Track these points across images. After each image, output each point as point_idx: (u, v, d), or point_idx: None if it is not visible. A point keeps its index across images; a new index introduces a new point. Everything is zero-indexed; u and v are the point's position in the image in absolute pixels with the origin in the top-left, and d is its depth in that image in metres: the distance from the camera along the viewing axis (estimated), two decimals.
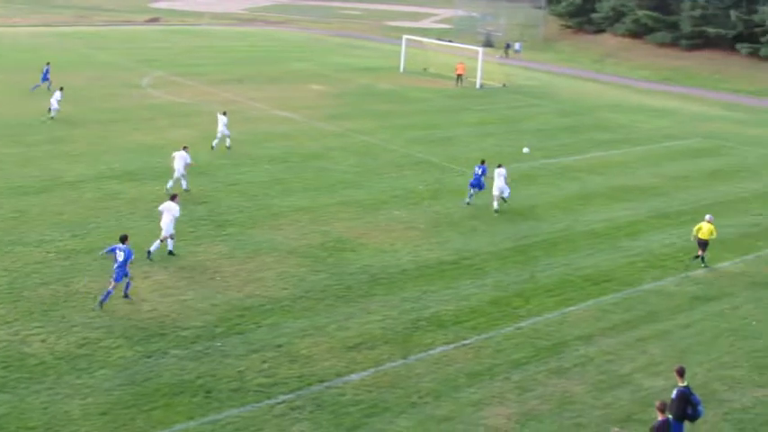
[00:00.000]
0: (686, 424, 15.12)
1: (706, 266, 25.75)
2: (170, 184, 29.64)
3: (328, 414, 16.30)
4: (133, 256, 20.64)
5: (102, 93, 48.28)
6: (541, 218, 29.78)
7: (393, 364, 18.52)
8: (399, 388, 17.47)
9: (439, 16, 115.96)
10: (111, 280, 20.28)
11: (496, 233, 27.73)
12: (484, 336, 20.15)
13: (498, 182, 29.95)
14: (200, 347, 18.65)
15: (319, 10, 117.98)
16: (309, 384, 17.39)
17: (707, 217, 26.32)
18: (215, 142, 36.36)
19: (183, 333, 19.24)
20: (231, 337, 19.25)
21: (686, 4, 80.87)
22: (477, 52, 62.11)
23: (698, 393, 15.54)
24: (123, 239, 20.70)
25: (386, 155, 37.45)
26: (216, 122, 36.36)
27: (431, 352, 19.17)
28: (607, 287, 23.69)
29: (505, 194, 30.39)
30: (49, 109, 40.40)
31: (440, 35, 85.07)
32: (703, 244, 25.71)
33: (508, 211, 30.17)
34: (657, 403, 14.45)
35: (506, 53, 77.11)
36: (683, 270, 25.28)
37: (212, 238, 25.44)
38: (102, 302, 20.13)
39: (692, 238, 26.00)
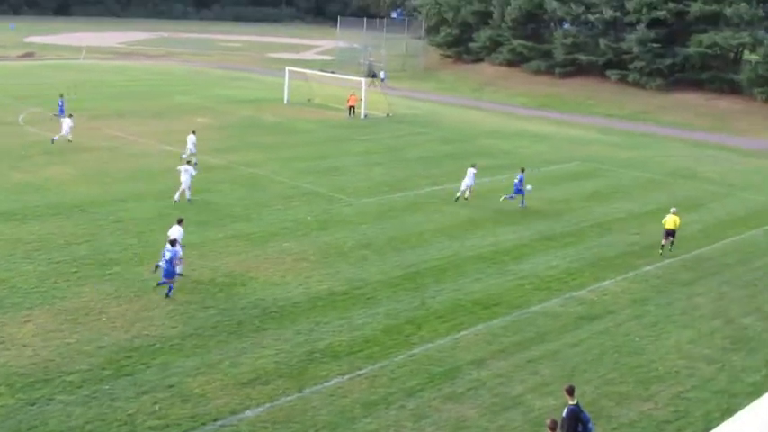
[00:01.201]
0: None
1: (671, 252, 30.35)
2: (176, 196, 32.80)
3: None
4: (178, 256, 23.46)
5: None
6: (430, 244, 30.16)
7: (288, 398, 18.30)
8: (296, 422, 17.27)
9: (321, 48, 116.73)
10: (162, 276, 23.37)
11: (386, 261, 27.91)
12: (378, 365, 20.17)
13: (468, 179, 36.16)
14: (88, 392, 17.96)
15: (199, 42, 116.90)
16: (203, 424, 16.99)
17: (672, 210, 31.10)
18: (194, 160, 38.53)
19: (69, 377, 18.50)
20: (120, 379, 18.63)
21: (558, 34, 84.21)
22: (359, 83, 62.81)
23: (587, 410, 15.98)
24: (173, 243, 23.59)
25: (274, 187, 37.25)
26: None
27: (326, 384, 19.05)
28: (497, 310, 24.14)
29: (467, 189, 36.28)
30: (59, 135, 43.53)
31: (322, 66, 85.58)
32: (671, 233, 30.28)
33: (396, 239, 30.43)
34: (548, 421, 14.79)
35: (373, 83, 77.62)
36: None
37: (97, 278, 24.64)
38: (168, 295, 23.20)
39: (662, 234, 30.44)
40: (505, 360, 20.90)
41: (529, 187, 36.14)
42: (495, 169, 43.96)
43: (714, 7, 72.11)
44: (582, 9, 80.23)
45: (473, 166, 36.94)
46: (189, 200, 33.34)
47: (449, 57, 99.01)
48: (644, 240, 32.38)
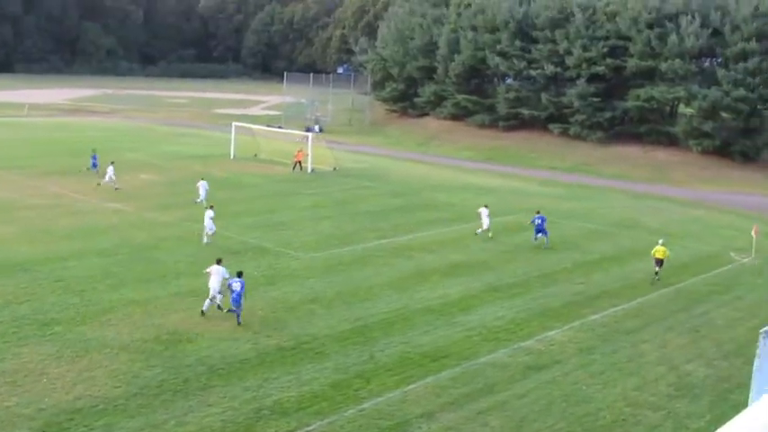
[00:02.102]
0: None
1: (659, 280, 33.83)
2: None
3: None
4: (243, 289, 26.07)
5: None
6: (378, 297, 30.16)
7: None
8: None
9: (267, 103, 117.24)
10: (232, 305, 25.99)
11: (334, 315, 27.81)
12: (327, 420, 19.98)
13: (485, 219, 40.40)
14: None
15: (145, 99, 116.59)
16: None
17: (660, 241, 35.15)
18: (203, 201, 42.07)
19: None
20: None
21: (501, 88, 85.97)
22: (306, 137, 63.15)
23: None
24: (240, 274, 26.49)
25: (220, 242, 36.94)
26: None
27: None
28: (445, 362, 24.16)
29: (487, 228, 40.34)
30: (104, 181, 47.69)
31: (269, 122, 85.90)
32: (659, 262, 33.95)
33: (344, 292, 30.38)
34: None
35: (307, 138, 77.67)
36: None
37: (38, 338, 24.07)
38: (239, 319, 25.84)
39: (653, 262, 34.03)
40: (455, 412, 20.86)
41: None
42: (441, 222, 44.35)
43: (650, 63, 74.44)
44: (524, 65, 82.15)
45: (485, 207, 41.36)
46: (206, 242, 36.00)
47: (394, 111, 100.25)
48: (589, 290, 32.83)
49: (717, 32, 72.46)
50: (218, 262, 27.77)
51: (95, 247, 34.99)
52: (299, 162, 60.33)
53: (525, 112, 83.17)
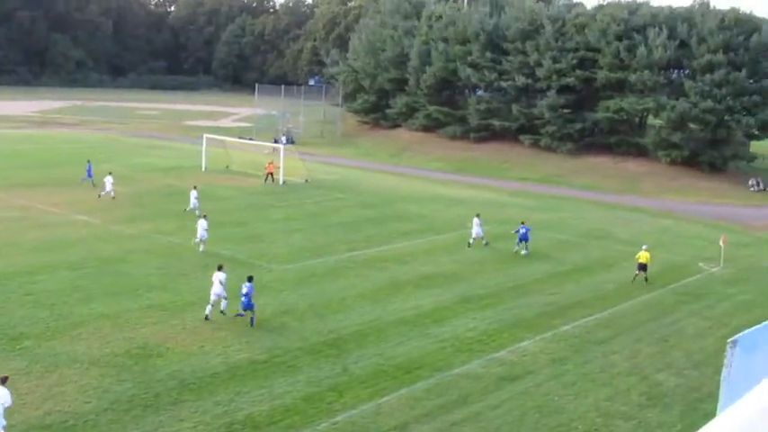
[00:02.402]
0: None
1: (647, 282, 35.55)
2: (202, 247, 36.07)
3: None
4: (254, 292, 27.52)
5: None
6: (351, 309, 30.10)
7: None
8: None
9: (238, 115, 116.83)
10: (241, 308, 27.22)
11: (306, 328, 27.71)
12: None
13: (476, 229, 41.14)
14: None
15: (115, 111, 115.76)
16: None
17: (643, 247, 36.78)
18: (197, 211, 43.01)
19: None
20: None
21: (472, 100, 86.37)
22: (273, 149, 63.03)
23: None
24: (250, 279, 27.90)
25: (191, 255, 36.75)
26: None
27: None
28: (419, 374, 24.14)
29: (479, 237, 41.31)
30: (104, 192, 48.75)
31: (240, 134, 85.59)
32: (643, 267, 35.55)
33: (317, 305, 30.29)
34: None
35: (274, 149, 77.47)
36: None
37: (6, 354, 23.73)
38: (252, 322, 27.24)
39: (636, 267, 35.76)
40: (429, 424, 20.85)
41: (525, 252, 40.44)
42: (413, 234, 44.39)
43: (619, 74, 75.20)
44: (495, 76, 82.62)
45: (477, 216, 42.08)
46: (202, 250, 36.98)
47: (366, 123, 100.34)
48: (561, 300, 33.00)
49: (684, 44, 73.42)
50: (219, 268, 28.89)
51: (64, 260, 34.61)
52: (271, 174, 60.18)
53: (496, 123, 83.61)
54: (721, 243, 41.01)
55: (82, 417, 20.03)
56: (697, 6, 76.20)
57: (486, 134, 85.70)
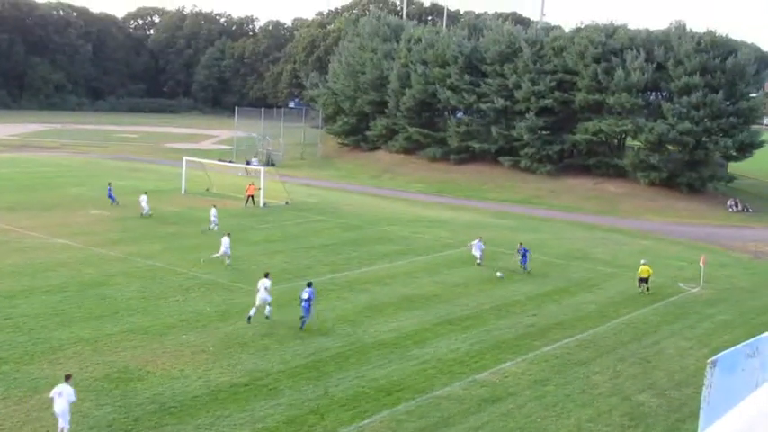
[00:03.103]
0: None
1: (649, 291, 38.15)
2: (215, 255, 38.58)
3: None
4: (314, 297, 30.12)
5: None
6: (332, 332, 30.02)
7: None
8: None
9: (218, 137, 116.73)
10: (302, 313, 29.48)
11: (287, 351, 27.60)
12: None
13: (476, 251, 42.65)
14: None
15: (95, 134, 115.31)
16: None
17: (642, 261, 39.59)
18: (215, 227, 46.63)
19: None
20: None
21: (452, 122, 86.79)
22: (258, 172, 63.00)
23: None
24: (309, 284, 30.65)
25: (171, 278, 36.57)
26: None
27: None
28: (400, 396, 24.09)
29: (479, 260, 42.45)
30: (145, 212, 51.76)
31: (220, 156, 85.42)
32: (644, 280, 38.25)
33: (298, 327, 30.16)
34: None
35: (246, 171, 77.42)
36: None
37: None
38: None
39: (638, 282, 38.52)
40: None
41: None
42: (394, 255, 44.41)
43: (597, 96, 75.90)
44: (474, 98, 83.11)
45: (479, 239, 43.80)
46: (228, 263, 39.16)
47: (346, 145, 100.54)
48: (541, 321, 33.07)
49: (661, 67, 74.26)
50: (266, 275, 31.17)
51: (44, 283, 34.33)
52: (251, 197, 60.10)
53: (476, 145, 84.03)
54: (701, 263, 41.32)
55: None
56: (674, 29, 77.11)
57: (466, 156, 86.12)
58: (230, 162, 77.18)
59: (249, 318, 30.08)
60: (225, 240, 39.69)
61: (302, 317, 29.95)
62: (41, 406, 21.79)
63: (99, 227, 48.16)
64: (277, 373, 25.40)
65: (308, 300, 29.83)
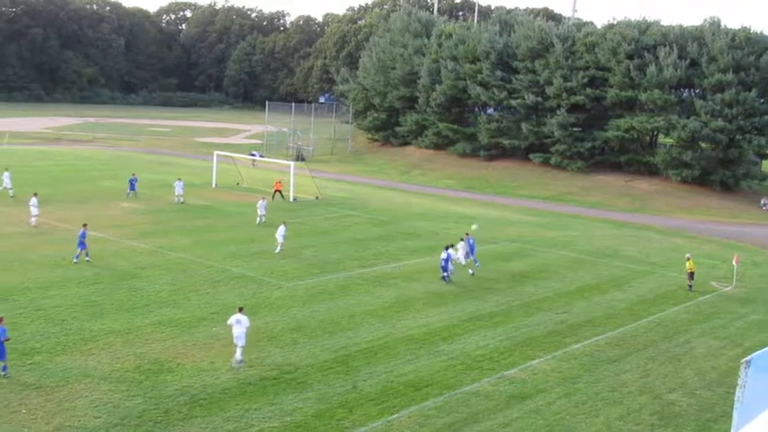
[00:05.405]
0: None
1: (692, 289, 38.27)
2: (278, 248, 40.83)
3: None
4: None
5: None
6: (361, 326, 30.07)
7: None
8: None
9: (249, 132, 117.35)
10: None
11: (316, 345, 27.69)
12: None
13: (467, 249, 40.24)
14: None
15: (127, 127, 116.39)
16: None
17: (687, 255, 40.01)
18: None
19: None
20: None
21: (482, 118, 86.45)
22: (288, 166, 63.24)
23: None
24: (447, 247, 36.83)
25: (202, 271, 36.82)
26: None
27: None
28: (428, 392, 24.07)
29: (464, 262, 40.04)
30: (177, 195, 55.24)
31: (251, 150, 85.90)
32: (691, 275, 38.63)
33: (327, 321, 30.26)
34: None
35: (253, 163, 77.77)
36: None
37: (17, 368, 23.76)
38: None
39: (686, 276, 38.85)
40: None
41: (475, 226, 43.07)
42: (423, 251, 44.33)
43: (629, 93, 75.23)
44: (504, 95, 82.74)
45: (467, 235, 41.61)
46: (278, 251, 40.94)
47: (376, 140, 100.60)
48: (571, 319, 32.89)
49: (694, 63, 73.42)
50: (240, 310, 26.24)
51: (76, 275, 34.72)
52: (279, 191, 60.32)
53: (506, 141, 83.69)
54: (734, 262, 40.85)
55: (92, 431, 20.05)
56: (708, 25, 76.12)
57: (496, 152, 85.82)
58: (261, 156, 77.74)
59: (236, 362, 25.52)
60: (281, 229, 41.46)
61: (442, 276, 36.85)
62: (73, 396, 22.06)
63: (130, 219, 48.62)
64: (306, 367, 25.49)
65: (446, 260, 36.83)
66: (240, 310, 26.25)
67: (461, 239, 40.65)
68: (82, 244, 37.00)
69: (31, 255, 37.93)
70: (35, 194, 46.06)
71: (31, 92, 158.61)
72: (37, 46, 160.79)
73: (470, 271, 39.26)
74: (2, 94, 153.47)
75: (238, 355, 25.28)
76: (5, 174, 55.45)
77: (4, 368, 23.11)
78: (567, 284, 38.92)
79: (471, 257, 40.07)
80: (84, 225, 38.12)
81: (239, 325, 25.41)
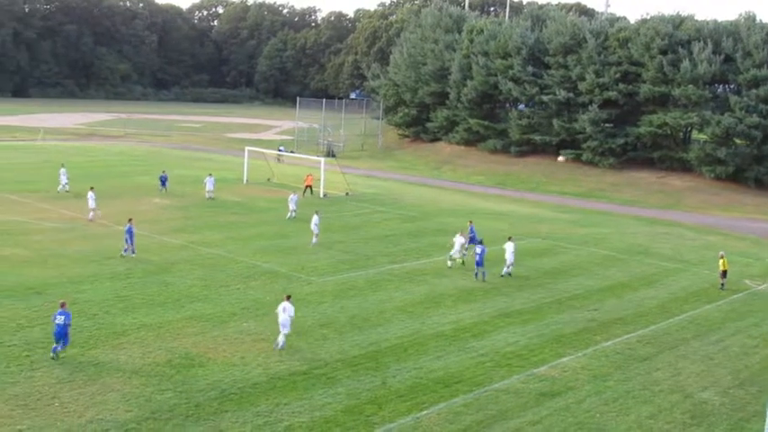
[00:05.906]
0: None
1: (724, 288, 37.74)
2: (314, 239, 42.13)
3: None
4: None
5: None
6: (390, 323, 30.07)
7: None
8: None
9: (280, 128, 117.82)
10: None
11: (346, 340, 27.74)
12: None
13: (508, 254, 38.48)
14: None
15: (159, 123, 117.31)
16: None
17: (720, 253, 39.28)
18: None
19: None
20: None
21: (513, 114, 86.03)
22: (318, 162, 63.40)
23: None
24: (480, 242, 37.05)
25: (232, 266, 37.04)
26: None
27: None
28: (458, 389, 24.02)
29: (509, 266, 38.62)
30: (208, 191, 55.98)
31: (283, 146, 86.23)
32: (723, 273, 38.00)
33: (357, 317, 30.32)
34: None
35: (279, 158, 77.86)
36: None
37: (50, 362, 24.08)
38: None
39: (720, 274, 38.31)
40: None
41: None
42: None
43: (662, 89, 74.45)
44: (536, 90, 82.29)
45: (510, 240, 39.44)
46: (314, 242, 42.17)
47: (407, 136, 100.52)
48: (602, 316, 32.64)
49: (729, 59, 72.52)
50: (288, 298, 27.22)
51: (109, 270, 35.08)
52: (310, 187, 60.51)
53: (537, 138, 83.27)
54: None
55: (123, 425, 20.23)
56: (743, 20, 75.13)
57: (527, 148, 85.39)
58: (291, 152, 78.08)
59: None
60: (314, 218, 42.59)
61: (476, 273, 36.89)
62: (105, 390, 22.29)
63: (162, 215, 49.02)
64: (335, 363, 25.55)
65: (480, 254, 36.70)
66: (288, 298, 27.28)
67: (461, 231, 41.43)
68: (130, 238, 37.60)
69: (65, 250, 38.38)
70: (91, 188, 47.27)
71: (64, 88, 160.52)
72: (71, 42, 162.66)
73: (469, 269, 38.88)
74: (36, 90, 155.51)
75: (281, 338, 26.35)
76: (61, 170, 56.07)
77: (54, 349, 24.29)
78: (598, 282, 38.65)
79: (476, 249, 37.91)
80: (130, 220, 38.49)
81: (284, 312, 26.55)
